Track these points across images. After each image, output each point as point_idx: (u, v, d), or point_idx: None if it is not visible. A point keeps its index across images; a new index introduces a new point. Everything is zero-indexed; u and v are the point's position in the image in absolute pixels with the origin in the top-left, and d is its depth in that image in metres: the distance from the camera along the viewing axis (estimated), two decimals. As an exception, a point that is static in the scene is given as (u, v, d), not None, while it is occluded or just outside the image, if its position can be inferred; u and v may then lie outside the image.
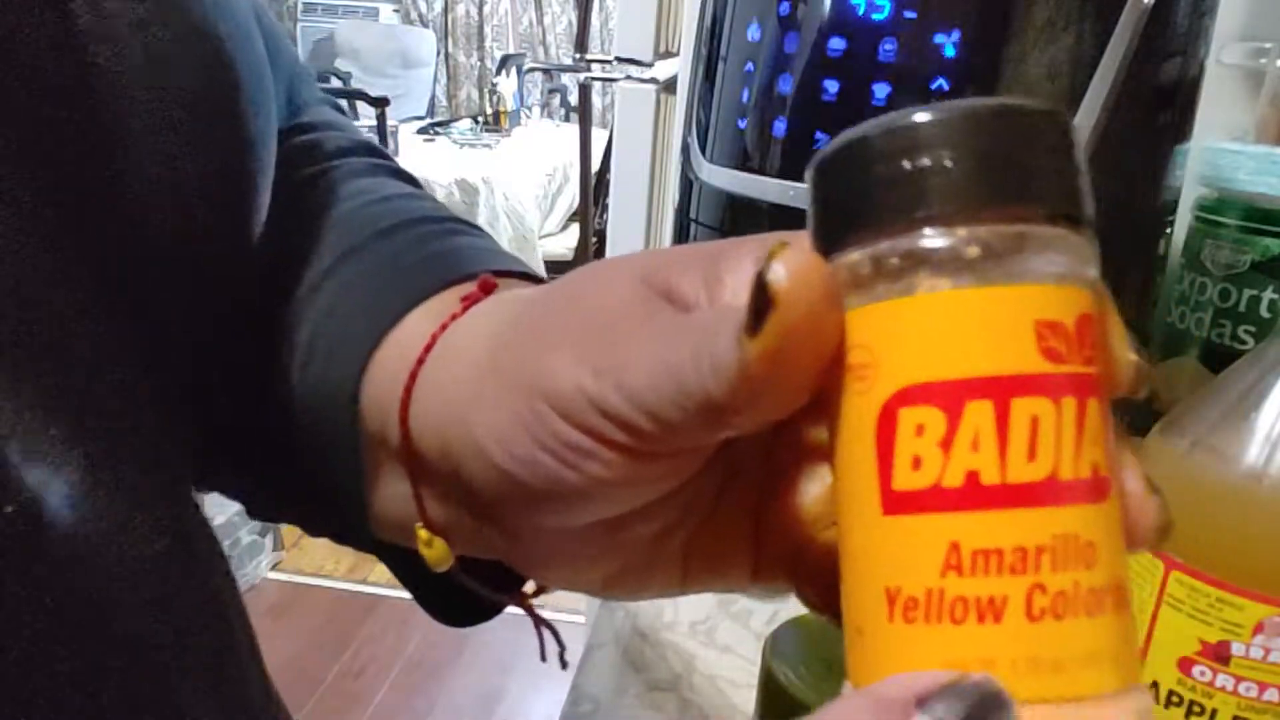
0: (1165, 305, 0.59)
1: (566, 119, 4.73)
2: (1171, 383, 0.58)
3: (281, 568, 2.17)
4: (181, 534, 0.23)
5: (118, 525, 0.20)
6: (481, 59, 5.18)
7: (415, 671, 1.89)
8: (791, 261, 0.17)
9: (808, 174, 0.18)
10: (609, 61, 0.96)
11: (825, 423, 0.19)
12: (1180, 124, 0.50)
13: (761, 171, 0.51)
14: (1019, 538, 0.16)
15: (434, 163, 3.39)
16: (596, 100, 3.83)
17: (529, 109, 4.81)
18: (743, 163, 0.52)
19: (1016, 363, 0.16)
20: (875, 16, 0.45)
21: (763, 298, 0.17)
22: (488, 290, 0.27)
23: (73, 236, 0.21)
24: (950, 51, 0.44)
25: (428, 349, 0.25)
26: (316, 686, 1.84)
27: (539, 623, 0.30)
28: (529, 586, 0.29)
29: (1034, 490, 0.16)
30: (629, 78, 0.90)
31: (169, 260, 0.24)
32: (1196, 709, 0.30)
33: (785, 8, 0.49)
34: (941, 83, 0.45)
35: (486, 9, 5.15)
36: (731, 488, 0.24)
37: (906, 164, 0.17)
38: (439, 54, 5.10)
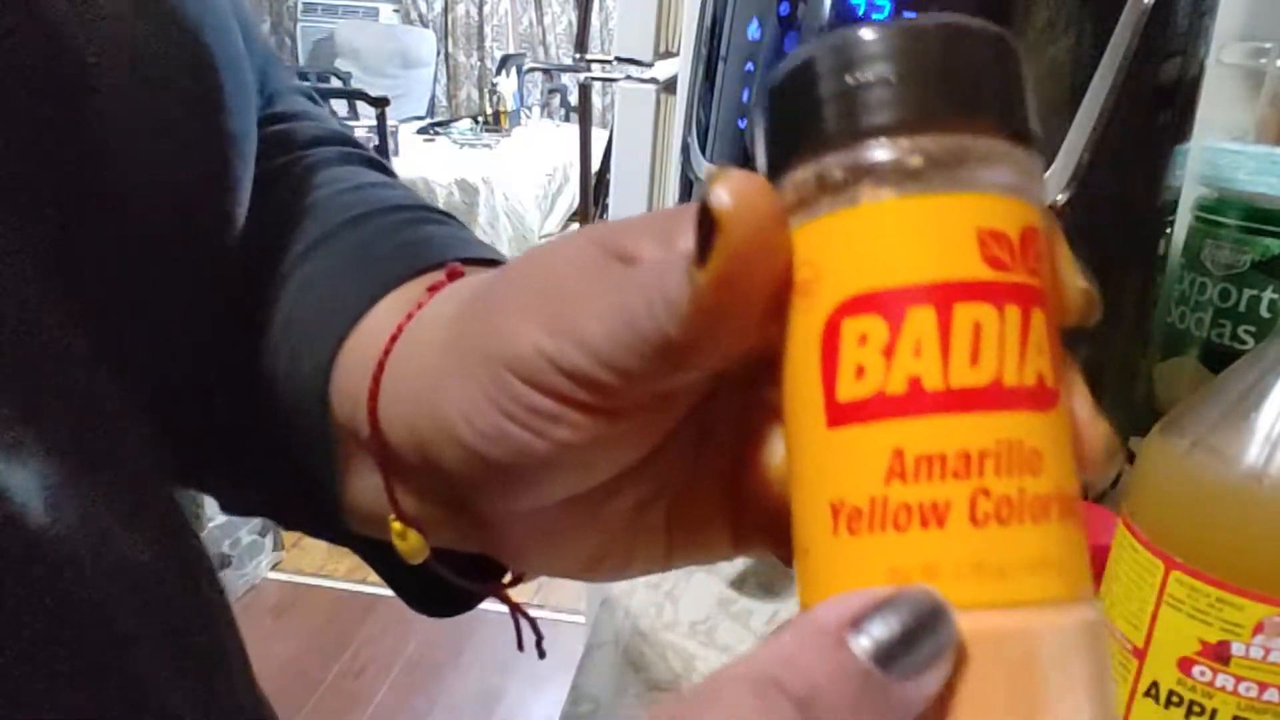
0: (1165, 305, 0.59)
1: (566, 119, 4.73)
2: (1171, 383, 0.58)
3: (281, 568, 2.17)
4: (169, 543, 0.23)
5: (100, 533, 0.20)
6: (481, 59, 5.19)
7: (415, 671, 1.89)
8: (733, 183, 0.17)
9: (755, 103, 0.18)
10: (609, 61, 0.96)
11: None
12: (1180, 124, 0.50)
13: (761, 171, 0.51)
14: (962, 442, 0.16)
15: (434, 163, 3.40)
16: (596, 100, 3.82)
17: (529, 109, 4.82)
18: (743, 163, 0.52)
19: (959, 269, 0.16)
20: (875, 17, 0.45)
21: (708, 222, 0.17)
22: (454, 279, 0.26)
23: (59, 239, 0.20)
24: (950, 51, 0.44)
25: (393, 339, 0.25)
26: (316, 686, 1.84)
27: (515, 610, 0.30)
28: (507, 577, 0.29)
29: (977, 395, 0.16)
30: (629, 78, 0.90)
31: (155, 261, 0.24)
32: (1196, 709, 0.30)
33: (785, 8, 0.49)
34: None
35: (486, 9, 5.15)
36: (705, 455, 0.24)
37: (850, 79, 0.17)
38: (439, 54, 5.10)
